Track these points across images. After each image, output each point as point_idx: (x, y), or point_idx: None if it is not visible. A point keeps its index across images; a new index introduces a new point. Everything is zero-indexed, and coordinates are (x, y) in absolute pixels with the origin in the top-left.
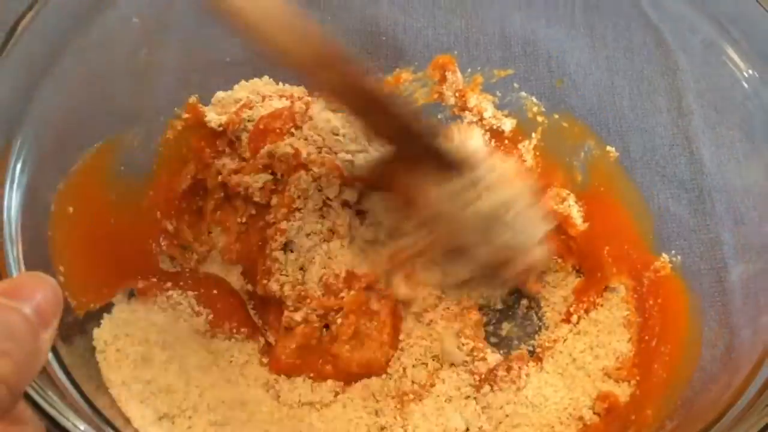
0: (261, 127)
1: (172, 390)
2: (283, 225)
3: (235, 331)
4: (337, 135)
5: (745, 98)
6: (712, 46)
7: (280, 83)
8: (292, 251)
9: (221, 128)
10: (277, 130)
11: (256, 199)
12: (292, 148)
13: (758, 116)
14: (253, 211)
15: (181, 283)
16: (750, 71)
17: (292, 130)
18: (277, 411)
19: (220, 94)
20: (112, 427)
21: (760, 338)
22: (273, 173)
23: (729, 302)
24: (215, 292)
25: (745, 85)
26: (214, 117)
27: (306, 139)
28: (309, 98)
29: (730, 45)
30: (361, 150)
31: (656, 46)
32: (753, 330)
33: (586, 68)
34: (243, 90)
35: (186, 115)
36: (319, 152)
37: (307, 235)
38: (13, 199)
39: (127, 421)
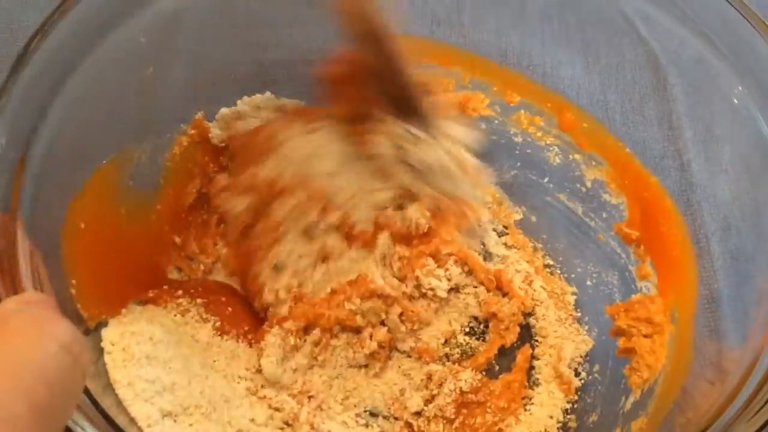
0: (238, 144)
1: (175, 388)
2: (273, 251)
3: (242, 336)
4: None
5: (734, 112)
6: (701, 61)
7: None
8: (285, 268)
9: (223, 144)
10: (257, 148)
11: (242, 220)
12: (274, 172)
13: (746, 129)
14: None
15: (192, 291)
16: (738, 86)
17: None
18: None
19: (224, 110)
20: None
21: (749, 346)
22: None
23: (718, 311)
24: (223, 299)
25: (734, 99)
26: (217, 133)
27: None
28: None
29: (719, 60)
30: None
31: (647, 62)
32: (742, 338)
33: (580, 83)
34: (244, 105)
35: (192, 131)
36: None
37: (300, 256)
38: (27, 213)
39: (132, 420)
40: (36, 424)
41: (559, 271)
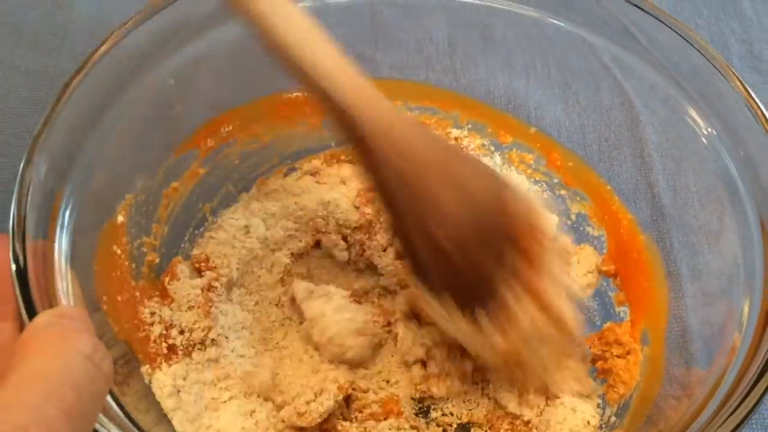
0: None
1: None
2: None
3: None
4: None
5: (700, 148)
6: (671, 103)
7: None
8: None
9: None
10: None
11: None
12: None
13: (711, 164)
14: None
15: None
16: (705, 126)
17: None
18: None
19: None
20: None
21: (714, 366)
22: None
23: (687, 333)
24: None
25: (701, 137)
26: None
27: None
28: None
29: (688, 102)
30: None
31: (621, 103)
32: (709, 358)
33: (560, 122)
34: None
35: None
36: None
37: None
38: (64, 237)
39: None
40: (68, 425)
41: None
